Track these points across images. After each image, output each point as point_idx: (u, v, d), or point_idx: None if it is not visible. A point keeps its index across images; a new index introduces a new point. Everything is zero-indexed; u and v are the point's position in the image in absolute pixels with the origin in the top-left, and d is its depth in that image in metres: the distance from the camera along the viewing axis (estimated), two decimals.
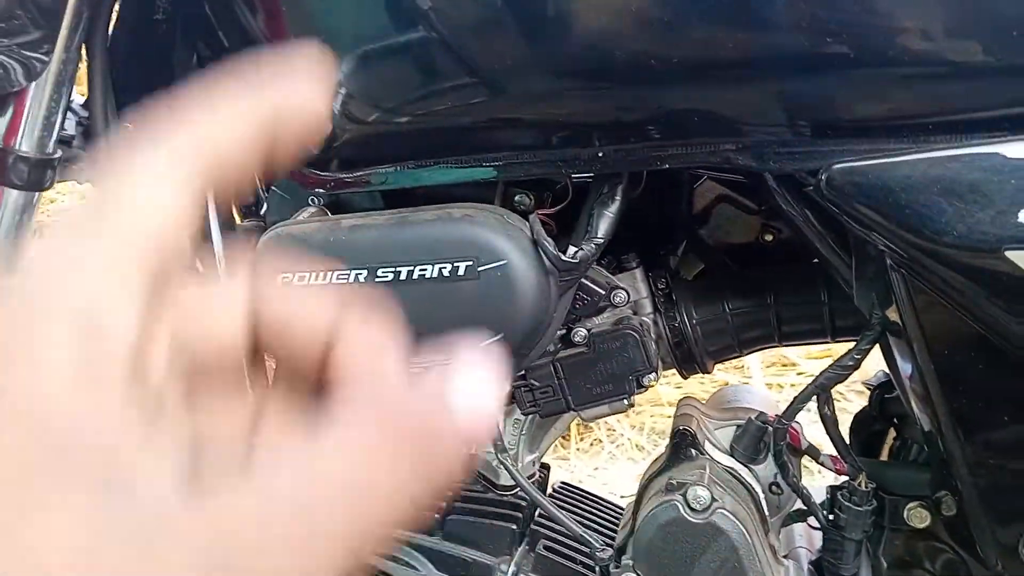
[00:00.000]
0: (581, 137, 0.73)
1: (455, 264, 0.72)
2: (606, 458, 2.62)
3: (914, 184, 0.63)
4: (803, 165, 0.67)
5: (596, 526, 0.95)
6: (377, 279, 0.74)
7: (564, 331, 0.82)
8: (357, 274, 0.74)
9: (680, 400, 0.90)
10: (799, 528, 0.93)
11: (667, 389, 2.32)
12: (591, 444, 2.67)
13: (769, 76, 0.66)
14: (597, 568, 0.83)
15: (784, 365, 2.76)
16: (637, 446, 2.63)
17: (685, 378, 0.89)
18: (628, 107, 0.70)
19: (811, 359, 2.67)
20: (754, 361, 2.65)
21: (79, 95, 0.87)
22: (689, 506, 0.76)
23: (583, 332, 0.82)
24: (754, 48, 0.65)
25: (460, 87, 0.72)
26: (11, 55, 0.77)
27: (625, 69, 0.68)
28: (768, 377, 2.69)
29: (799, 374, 2.72)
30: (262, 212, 0.91)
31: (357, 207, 0.83)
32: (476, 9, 0.69)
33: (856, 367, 0.74)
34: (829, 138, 0.66)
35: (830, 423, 0.78)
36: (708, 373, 0.87)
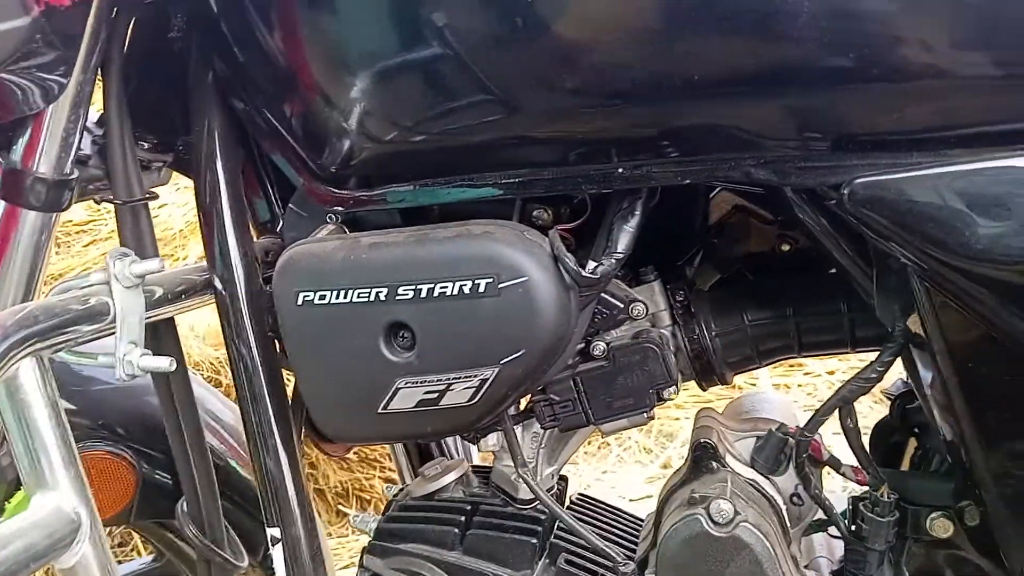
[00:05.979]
0: (599, 154, 0.73)
1: (476, 281, 0.72)
2: (614, 461, 2.61)
3: (937, 198, 0.63)
4: (824, 179, 0.67)
5: (615, 538, 0.95)
6: (398, 297, 0.74)
7: (583, 345, 0.82)
8: (377, 292, 0.74)
9: (698, 412, 0.90)
10: (819, 538, 0.93)
11: None
12: (599, 447, 2.67)
13: (789, 91, 0.66)
14: None
15: (791, 366, 2.75)
16: (645, 449, 2.62)
17: (704, 390, 0.89)
18: (647, 123, 0.70)
19: (818, 359, 2.67)
20: None
21: (94, 112, 0.87)
22: (712, 520, 0.76)
23: (602, 346, 0.82)
24: (773, 64, 0.65)
25: (477, 105, 0.72)
26: (29, 78, 0.77)
27: (643, 86, 0.68)
28: (776, 378, 2.69)
29: (806, 374, 2.72)
30: (278, 229, 0.91)
31: (374, 224, 0.83)
32: (493, 27, 0.69)
33: (879, 379, 0.74)
34: (850, 152, 0.66)
35: (853, 435, 0.78)
36: (727, 384, 0.87)
